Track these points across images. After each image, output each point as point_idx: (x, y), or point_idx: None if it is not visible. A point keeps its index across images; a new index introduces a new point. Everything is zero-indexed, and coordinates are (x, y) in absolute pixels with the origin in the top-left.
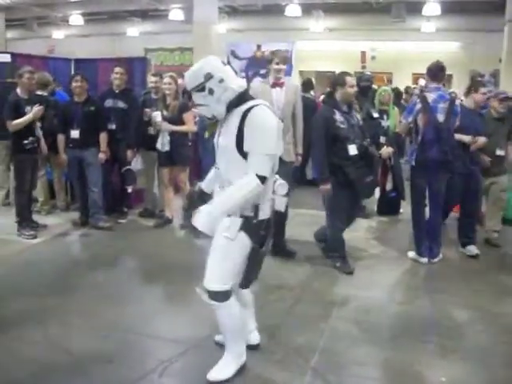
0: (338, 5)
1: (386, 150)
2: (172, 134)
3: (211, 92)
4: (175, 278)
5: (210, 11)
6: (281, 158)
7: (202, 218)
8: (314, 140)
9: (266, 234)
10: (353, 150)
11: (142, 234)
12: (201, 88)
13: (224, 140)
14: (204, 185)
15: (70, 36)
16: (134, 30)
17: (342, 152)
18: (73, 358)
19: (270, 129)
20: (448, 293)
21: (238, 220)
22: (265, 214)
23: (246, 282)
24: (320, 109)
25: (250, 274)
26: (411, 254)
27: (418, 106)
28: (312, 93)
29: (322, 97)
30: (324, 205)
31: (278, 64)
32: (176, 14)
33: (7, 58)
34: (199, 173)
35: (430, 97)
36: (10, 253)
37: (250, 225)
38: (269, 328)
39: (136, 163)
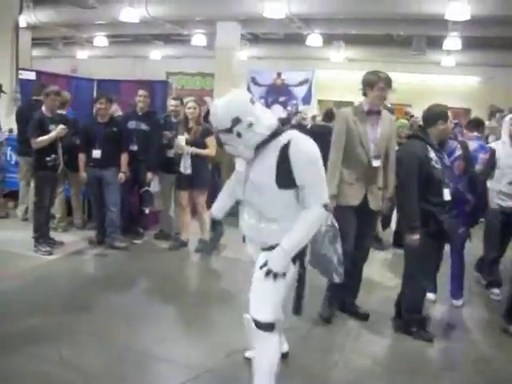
0: (360, 36)
1: None
2: (193, 157)
3: (239, 135)
4: (190, 301)
5: (232, 38)
6: (367, 207)
7: (280, 260)
8: (403, 181)
9: (304, 252)
10: (447, 194)
11: (156, 256)
12: (228, 131)
13: (259, 177)
14: (216, 211)
15: (93, 57)
16: (156, 53)
17: (436, 197)
18: (85, 378)
19: (318, 157)
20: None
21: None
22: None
23: (298, 306)
24: (410, 144)
25: (300, 295)
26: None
27: (458, 152)
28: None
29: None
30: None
31: (382, 89)
32: (198, 39)
33: (32, 75)
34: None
35: (471, 146)
36: (26, 268)
37: (298, 252)
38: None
39: (154, 185)
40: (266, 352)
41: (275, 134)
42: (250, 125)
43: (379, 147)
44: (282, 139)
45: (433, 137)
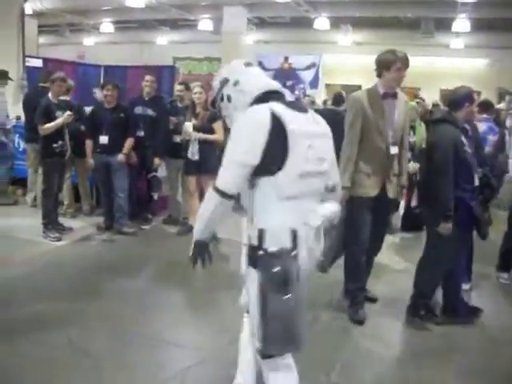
0: (367, 19)
1: (413, 166)
2: (201, 142)
3: (229, 99)
4: (198, 286)
5: (238, 22)
6: (385, 196)
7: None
8: (440, 167)
9: (285, 277)
10: (476, 179)
11: (165, 241)
12: (221, 97)
13: None
14: None
15: (99, 43)
16: (162, 38)
17: (467, 183)
18: (94, 363)
19: (245, 129)
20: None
21: (244, 250)
22: (278, 243)
23: (263, 347)
24: (442, 128)
25: (267, 332)
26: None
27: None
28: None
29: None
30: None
31: (400, 70)
32: (205, 24)
33: (39, 63)
34: None
35: (481, 127)
36: (35, 254)
37: (254, 257)
38: None
39: (161, 170)
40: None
41: (264, 100)
42: (236, 83)
43: (397, 133)
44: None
45: (460, 120)
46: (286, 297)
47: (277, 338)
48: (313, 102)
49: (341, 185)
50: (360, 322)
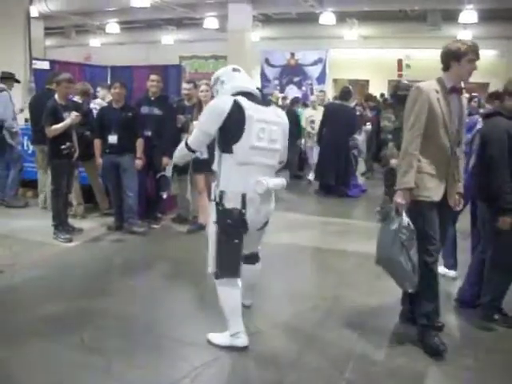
0: (373, 13)
1: None
2: None
3: (217, 92)
4: (209, 284)
5: (244, 19)
6: (445, 203)
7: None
8: (496, 160)
9: (235, 226)
10: None
11: (175, 240)
12: (213, 88)
13: None
14: None
15: (106, 44)
16: (168, 38)
17: None
18: (106, 362)
19: (213, 109)
20: None
21: (212, 204)
22: (232, 203)
23: (219, 272)
24: (495, 120)
25: (221, 262)
26: None
27: (479, 125)
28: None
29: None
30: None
31: (472, 61)
32: (210, 22)
33: (46, 65)
34: None
35: None
36: (46, 255)
37: (217, 211)
38: (303, 335)
39: (169, 169)
40: (220, 296)
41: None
42: (222, 82)
43: (460, 133)
44: None
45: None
46: (235, 241)
47: (228, 267)
48: (334, 98)
49: (401, 186)
50: (440, 353)
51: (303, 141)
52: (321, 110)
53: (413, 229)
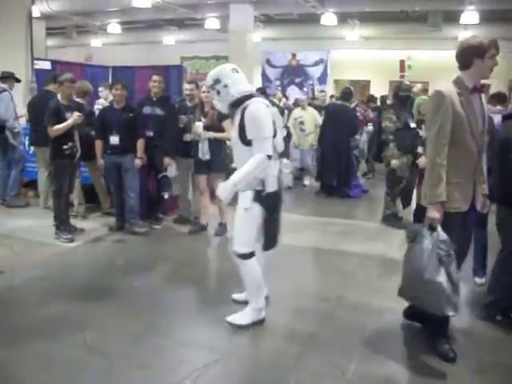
0: (374, 13)
1: (424, 160)
2: (210, 141)
3: (218, 93)
4: (210, 284)
5: (245, 20)
6: (472, 209)
7: (223, 190)
8: None
9: (275, 204)
10: None
11: (176, 241)
12: (212, 88)
13: (233, 135)
14: None
15: (107, 44)
16: (170, 38)
17: None
18: (108, 364)
19: (262, 117)
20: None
21: (250, 193)
22: (272, 187)
23: (266, 245)
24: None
25: (268, 238)
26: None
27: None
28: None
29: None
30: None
31: (494, 57)
32: (212, 22)
33: (47, 65)
34: None
35: (495, 119)
36: (48, 256)
37: (260, 196)
38: (305, 336)
39: (171, 170)
40: (249, 274)
41: (245, 99)
42: (225, 86)
43: (485, 133)
44: (246, 103)
45: None
46: (277, 216)
47: (273, 239)
48: (331, 96)
49: (434, 199)
50: (450, 360)
51: (291, 143)
52: (310, 110)
53: (450, 242)
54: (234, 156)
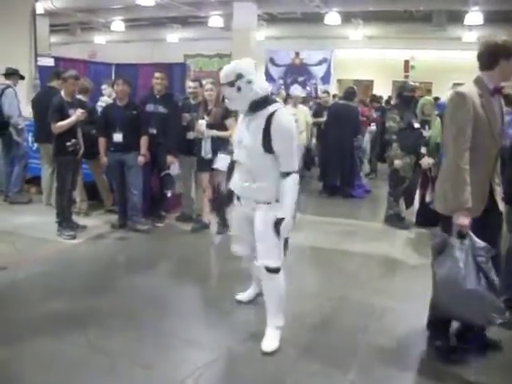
0: (378, 13)
1: (427, 161)
2: (213, 139)
3: (239, 89)
4: (212, 282)
5: (249, 18)
6: (493, 209)
7: (286, 229)
8: None
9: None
10: None
11: (179, 239)
12: (231, 84)
13: (250, 140)
14: (232, 184)
15: (111, 41)
16: (173, 36)
17: None
18: (111, 361)
19: (293, 132)
20: None
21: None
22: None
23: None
24: None
25: (286, 243)
26: None
27: None
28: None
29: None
30: None
31: None
32: (215, 20)
33: (51, 62)
34: None
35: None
36: (50, 252)
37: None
38: (306, 338)
39: (174, 168)
40: (276, 289)
41: (266, 101)
42: (249, 82)
43: (502, 135)
44: (271, 108)
45: None
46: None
47: (286, 245)
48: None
49: (461, 205)
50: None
51: None
52: (301, 108)
53: (489, 248)
54: (241, 158)
